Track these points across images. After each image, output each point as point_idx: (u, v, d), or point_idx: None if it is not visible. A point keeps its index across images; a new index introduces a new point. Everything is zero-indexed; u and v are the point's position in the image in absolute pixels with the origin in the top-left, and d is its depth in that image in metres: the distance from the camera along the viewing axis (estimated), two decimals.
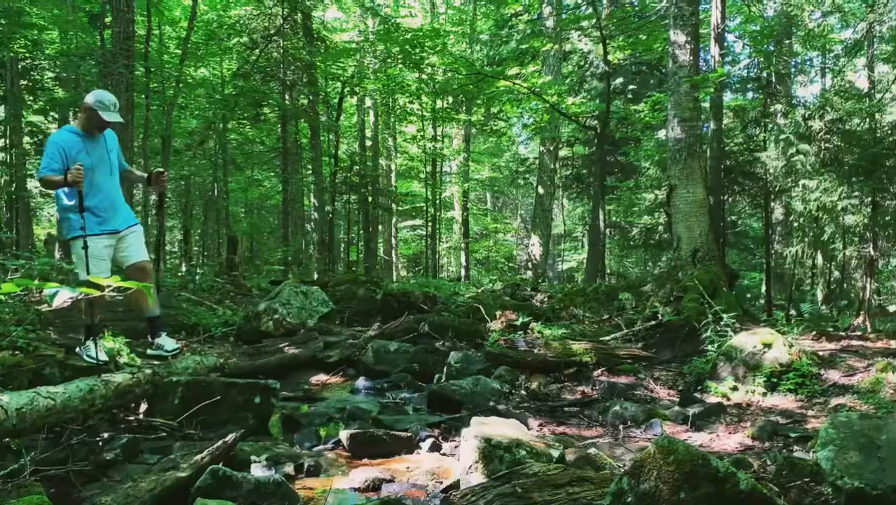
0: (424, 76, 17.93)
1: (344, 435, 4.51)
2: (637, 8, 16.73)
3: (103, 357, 5.17)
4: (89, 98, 5.10)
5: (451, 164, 27.49)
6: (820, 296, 14.33)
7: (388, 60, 17.17)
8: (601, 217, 15.47)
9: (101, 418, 4.65)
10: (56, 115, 17.89)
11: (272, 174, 23.77)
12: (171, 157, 16.42)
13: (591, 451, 4.12)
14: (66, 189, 5.04)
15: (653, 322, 8.53)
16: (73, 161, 4.95)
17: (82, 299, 5.14)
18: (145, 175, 5.56)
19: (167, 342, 5.36)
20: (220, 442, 3.79)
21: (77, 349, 5.33)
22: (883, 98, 11.20)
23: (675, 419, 5.40)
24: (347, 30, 23.29)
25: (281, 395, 5.85)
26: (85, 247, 4.96)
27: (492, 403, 5.80)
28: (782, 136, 10.77)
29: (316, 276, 16.94)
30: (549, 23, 18.06)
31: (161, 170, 5.51)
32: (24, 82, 15.87)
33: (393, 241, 27.49)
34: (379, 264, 24.64)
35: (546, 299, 11.86)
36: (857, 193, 10.14)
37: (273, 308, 8.69)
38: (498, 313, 9.13)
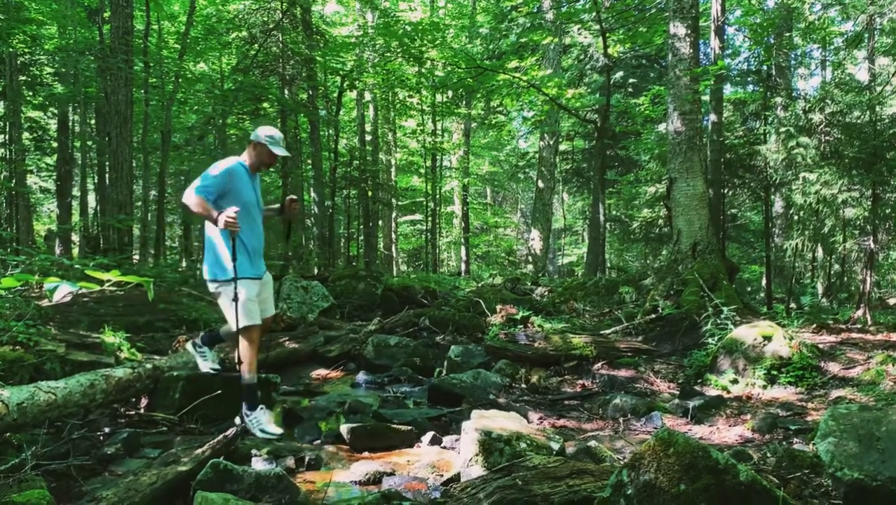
0: (424, 70, 17.90)
1: (344, 429, 4.52)
2: (637, 0, 16.67)
3: (215, 366, 5.03)
4: (257, 134, 4.83)
5: (451, 159, 27.45)
6: (820, 289, 14.32)
7: (388, 54, 17.13)
8: (601, 211, 15.46)
9: (102, 413, 4.66)
10: (55, 111, 17.89)
11: (272, 169, 23.72)
12: (171, 152, 16.40)
13: (592, 443, 4.12)
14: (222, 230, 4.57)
15: (653, 315, 8.54)
16: (237, 193, 4.65)
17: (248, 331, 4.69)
18: (278, 205, 5.23)
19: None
20: (220, 436, 3.81)
21: (200, 357, 5.06)
22: (883, 90, 11.17)
23: (675, 412, 5.41)
24: (347, 24, 23.23)
25: (281, 389, 5.87)
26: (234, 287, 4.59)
27: (492, 397, 5.81)
28: (782, 129, 10.74)
29: (316, 270, 16.95)
30: (549, 16, 18.03)
31: (293, 197, 5.18)
32: (23, 78, 15.87)
33: (393, 235, 27.48)
34: (379, 259, 24.63)
35: (546, 293, 11.87)
36: (857, 186, 10.11)
37: None
38: (498, 307, 9.14)
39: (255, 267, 4.78)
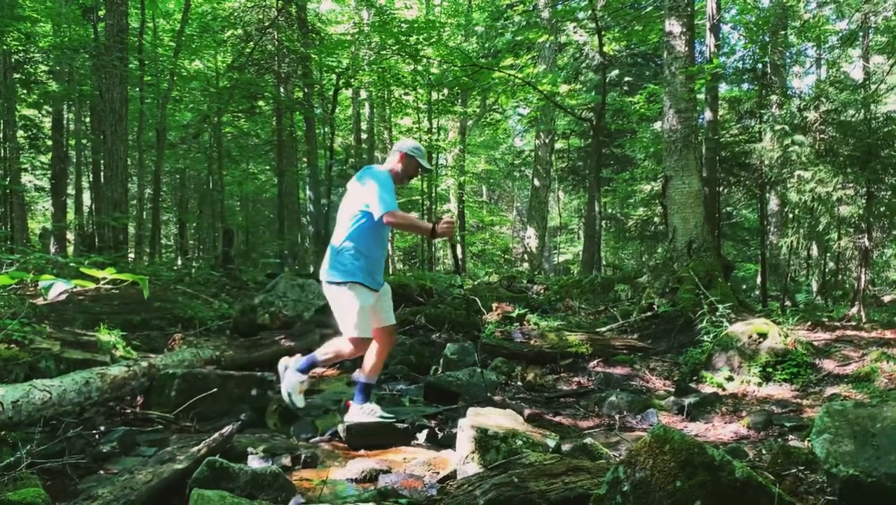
0: (420, 68, 17.89)
1: (340, 426, 4.52)
2: None
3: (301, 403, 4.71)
4: (405, 145, 4.76)
5: (447, 157, 27.44)
6: (815, 286, 14.34)
7: (384, 52, 17.12)
8: (597, 209, 15.48)
9: (98, 411, 4.65)
10: (50, 109, 17.84)
11: (267, 167, 23.73)
12: (166, 150, 16.36)
13: (588, 441, 4.12)
14: (368, 234, 4.58)
15: (648, 313, 8.55)
16: None
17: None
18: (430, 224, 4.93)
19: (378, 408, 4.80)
20: (216, 434, 3.80)
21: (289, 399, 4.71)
22: (878, 89, 11.19)
23: (670, 409, 5.42)
24: (342, 22, 23.19)
25: (277, 387, 5.85)
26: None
27: (488, 394, 5.81)
28: (777, 127, 10.74)
29: (312, 269, 16.93)
30: (545, 14, 18.03)
31: (449, 219, 4.67)
32: (18, 76, 15.81)
33: (389, 234, 27.45)
34: None
35: (542, 291, 11.88)
36: (851, 184, 10.12)
37: (269, 301, 8.69)
38: (494, 305, 9.14)
39: (375, 279, 4.68)
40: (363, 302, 4.56)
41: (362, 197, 4.53)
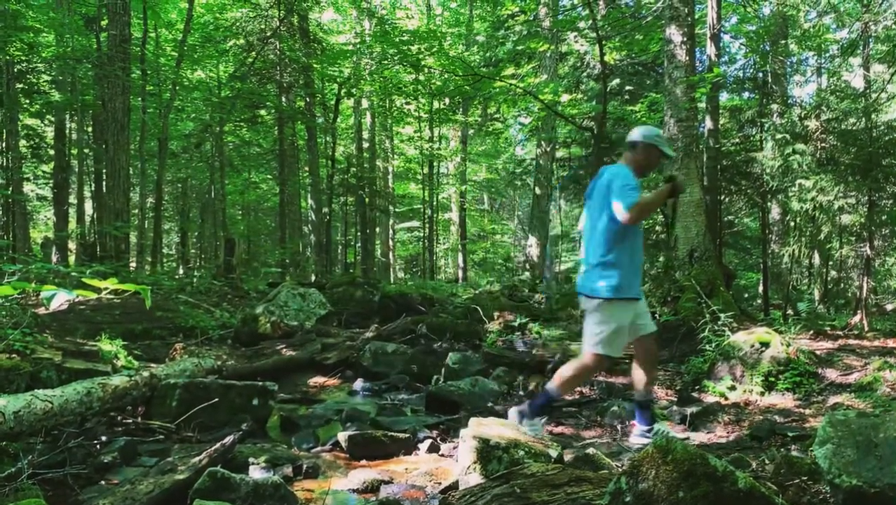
0: (421, 77, 17.94)
1: (342, 436, 4.51)
2: (633, 8, 16.74)
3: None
4: (645, 133, 4.41)
5: (448, 166, 27.48)
6: (817, 295, 14.34)
7: (385, 62, 17.18)
8: None
9: (99, 421, 4.64)
10: (52, 119, 17.89)
11: (269, 176, 23.81)
12: (168, 159, 16.40)
13: (590, 450, 4.11)
14: (615, 238, 4.29)
15: None
16: None
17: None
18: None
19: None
20: (218, 444, 3.79)
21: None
22: (879, 97, 11.21)
23: (673, 419, 5.40)
24: (344, 31, 23.29)
25: (279, 397, 5.85)
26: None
27: (490, 404, 5.79)
28: (778, 136, 10.77)
29: (313, 278, 16.94)
30: (546, 24, 18.09)
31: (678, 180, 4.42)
32: (20, 85, 15.87)
33: (390, 242, 27.47)
34: (376, 266, 24.62)
35: (544, 300, 11.86)
36: (853, 193, 10.14)
37: (271, 310, 8.70)
38: (496, 314, 9.13)
39: (635, 287, 4.39)
40: (619, 322, 4.30)
41: (605, 201, 4.27)
